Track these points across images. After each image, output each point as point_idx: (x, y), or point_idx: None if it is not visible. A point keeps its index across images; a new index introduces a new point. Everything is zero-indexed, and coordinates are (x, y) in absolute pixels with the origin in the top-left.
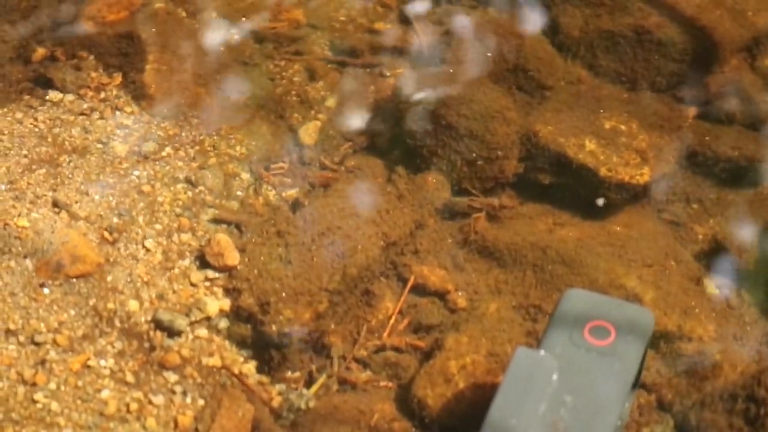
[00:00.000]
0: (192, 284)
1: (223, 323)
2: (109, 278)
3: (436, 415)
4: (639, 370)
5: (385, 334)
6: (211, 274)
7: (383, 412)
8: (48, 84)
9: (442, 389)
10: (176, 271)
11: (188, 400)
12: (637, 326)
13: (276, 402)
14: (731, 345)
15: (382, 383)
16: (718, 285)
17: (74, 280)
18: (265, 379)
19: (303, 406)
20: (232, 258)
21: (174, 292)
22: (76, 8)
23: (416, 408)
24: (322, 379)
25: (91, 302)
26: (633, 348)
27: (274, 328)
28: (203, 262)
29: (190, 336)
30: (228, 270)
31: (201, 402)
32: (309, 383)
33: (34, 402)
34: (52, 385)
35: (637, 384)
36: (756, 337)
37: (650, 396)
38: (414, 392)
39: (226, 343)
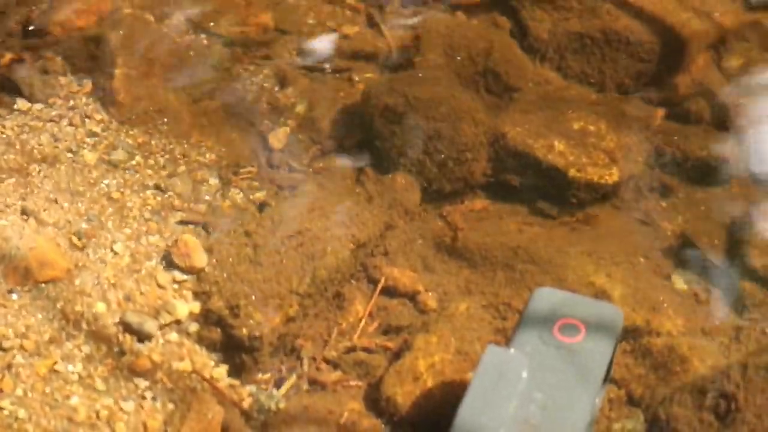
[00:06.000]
0: (159, 286)
1: (193, 327)
2: (77, 281)
3: (406, 413)
4: (609, 366)
5: (355, 336)
6: (178, 275)
7: (352, 410)
8: (16, 91)
9: (411, 387)
10: (143, 272)
11: (158, 404)
12: (606, 323)
13: (246, 404)
14: (700, 340)
15: (352, 382)
16: (687, 280)
17: (43, 285)
18: (235, 382)
19: (273, 407)
20: (200, 259)
21: (141, 293)
22: (45, 15)
23: (386, 406)
24: (292, 380)
25: (59, 305)
26: (602, 345)
27: (244, 331)
28: (170, 263)
29: (161, 340)
30: (196, 271)
31: (171, 406)
32: (279, 384)
33: (1, 409)
34: (19, 392)
35: (607, 380)
36: (724, 331)
37: (620, 391)
38: (383, 391)
39: (197, 347)
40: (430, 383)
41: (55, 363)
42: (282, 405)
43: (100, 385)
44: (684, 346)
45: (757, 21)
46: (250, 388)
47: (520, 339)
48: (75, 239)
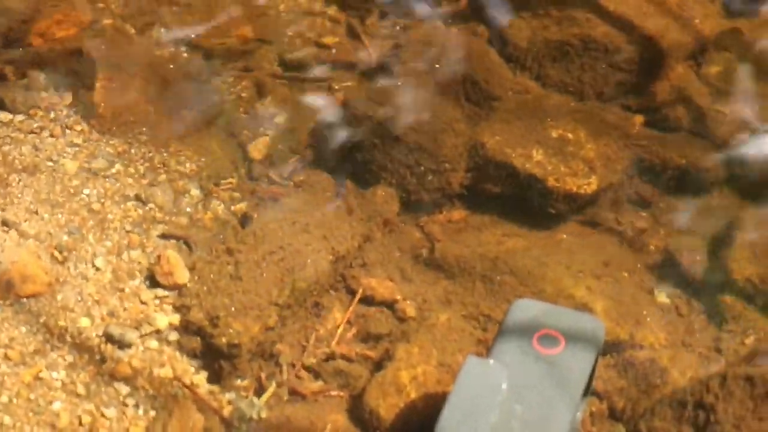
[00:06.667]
0: (142, 302)
1: (173, 335)
2: (59, 297)
3: (389, 425)
4: (590, 378)
5: (333, 343)
6: (160, 292)
7: (335, 422)
8: None
9: (394, 399)
10: (127, 290)
11: (140, 411)
12: (587, 335)
13: (226, 411)
14: (681, 352)
15: (333, 393)
16: (669, 293)
17: (25, 299)
18: (215, 388)
19: (254, 416)
20: (182, 276)
21: (125, 309)
22: (25, 24)
23: (369, 418)
24: (272, 389)
25: (42, 319)
26: (582, 356)
27: (224, 340)
28: (153, 281)
29: (141, 347)
30: (178, 288)
31: (152, 413)
32: (259, 391)
33: None
34: (5, 399)
35: (588, 392)
36: (705, 343)
37: (602, 404)
38: (366, 403)
39: (177, 353)
40: (413, 395)
41: (40, 371)
42: (263, 414)
43: (81, 390)
44: (665, 358)
45: (736, 28)
46: (230, 395)
47: (499, 350)
48: (56, 253)
